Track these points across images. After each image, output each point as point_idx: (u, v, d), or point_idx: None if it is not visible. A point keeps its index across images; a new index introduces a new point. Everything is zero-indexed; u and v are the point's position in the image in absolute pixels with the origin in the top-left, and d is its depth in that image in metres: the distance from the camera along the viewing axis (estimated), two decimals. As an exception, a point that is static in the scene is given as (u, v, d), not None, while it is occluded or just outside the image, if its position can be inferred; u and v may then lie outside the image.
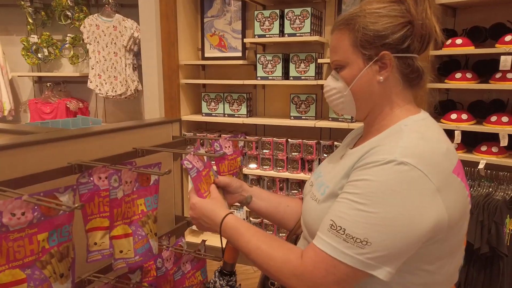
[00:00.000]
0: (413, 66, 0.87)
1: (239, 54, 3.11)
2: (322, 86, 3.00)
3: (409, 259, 0.77)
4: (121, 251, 0.81)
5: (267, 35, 2.83)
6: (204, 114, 3.13)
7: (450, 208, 0.77)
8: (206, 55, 3.21)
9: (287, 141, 2.90)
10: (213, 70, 3.32)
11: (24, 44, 3.26)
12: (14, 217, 0.64)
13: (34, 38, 3.26)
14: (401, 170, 0.73)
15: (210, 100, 3.11)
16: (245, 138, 1.22)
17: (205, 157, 1.00)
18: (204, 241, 1.19)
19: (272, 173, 2.92)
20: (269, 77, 2.89)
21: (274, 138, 2.92)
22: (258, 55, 2.90)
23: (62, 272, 0.71)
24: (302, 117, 2.90)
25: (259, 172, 2.95)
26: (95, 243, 0.82)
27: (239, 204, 1.06)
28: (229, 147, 1.17)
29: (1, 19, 3.28)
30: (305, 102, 2.90)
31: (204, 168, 0.98)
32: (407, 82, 0.89)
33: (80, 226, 0.82)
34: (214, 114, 3.11)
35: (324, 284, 0.75)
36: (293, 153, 2.88)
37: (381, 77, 0.87)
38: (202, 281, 1.15)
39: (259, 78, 2.90)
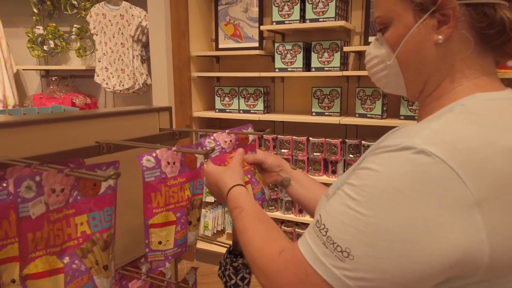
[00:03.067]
0: (493, 17, 0.58)
1: (256, 44, 2.83)
2: (348, 78, 2.68)
3: None
4: (45, 296, 0.54)
5: (286, 22, 2.53)
6: (217, 110, 2.87)
7: (496, 236, 0.49)
8: (220, 46, 2.95)
9: (308, 139, 2.60)
10: (227, 62, 3.05)
11: (29, 36, 3.09)
12: (53, 194, 0.56)
13: (39, 30, 3.09)
14: (419, 162, 0.49)
15: (224, 95, 2.84)
16: (252, 130, 0.96)
17: (247, 139, 0.96)
18: (194, 268, 0.92)
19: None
20: (288, 69, 2.59)
21: (294, 137, 2.62)
22: (276, 44, 2.61)
23: (105, 263, 0.61)
24: (325, 113, 2.59)
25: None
26: (13, 281, 0.56)
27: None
28: (230, 141, 0.90)
29: (6, 10, 3.13)
30: (329, 97, 2.58)
31: (233, 151, 0.92)
32: (482, 43, 0.61)
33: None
34: (228, 110, 2.84)
35: None
36: (314, 153, 2.58)
37: (440, 36, 0.60)
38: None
39: (277, 70, 2.61)
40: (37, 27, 3.11)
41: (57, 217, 0.56)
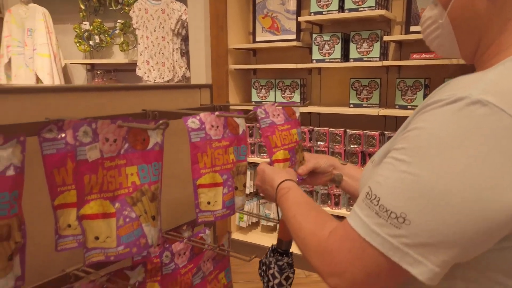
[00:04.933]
0: None
1: (293, 36, 2.82)
2: (388, 68, 2.62)
3: (479, 263, 0.52)
4: (96, 238, 0.57)
5: (324, 12, 2.51)
6: (254, 103, 2.88)
7: None
8: (258, 39, 2.97)
9: (345, 131, 2.56)
10: (264, 55, 3.07)
11: (76, 31, 3.26)
12: (107, 143, 0.60)
13: (86, 25, 3.25)
14: (475, 114, 0.46)
15: (260, 87, 2.86)
16: (300, 104, 0.97)
17: (296, 115, 0.98)
18: (229, 233, 0.93)
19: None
20: (326, 60, 2.57)
21: (331, 129, 2.59)
22: (314, 35, 2.59)
23: (153, 214, 0.64)
24: (364, 105, 2.54)
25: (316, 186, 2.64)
26: (69, 225, 0.59)
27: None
28: (278, 115, 0.92)
29: (56, 8, 3.31)
30: (367, 88, 2.54)
31: (284, 123, 0.93)
32: None
33: (43, 200, 0.59)
34: (264, 103, 2.86)
35: (349, 272, 0.54)
36: (352, 146, 2.54)
37: None
38: (226, 285, 0.89)
39: (314, 61, 2.60)
40: (83, 23, 3.27)
41: (110, 165, 0.59)
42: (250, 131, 2.90)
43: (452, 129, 0.48)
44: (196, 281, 0.81)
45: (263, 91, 2.86)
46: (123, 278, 0.72)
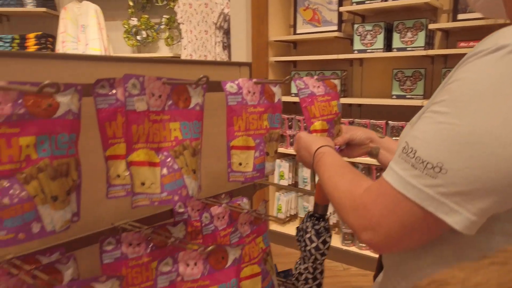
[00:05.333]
0: None
1: (334, 27, 2.80)
2: (433, 58, 2.53)
3: None
4: (143, 183, 0.61)
5: (367, 2, 2.48)
6: (293, 95, 2.89)
7: None
8: (298, 31, 2.97)
9: (387, 123, 2.51)
10: (305, 47, 3.07)
11: (125, 27, 3.43)
12: (153, 97, 0.64)
13: (134, 21, 3.41)
14: None
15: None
16: (341, 75, 0.98)
17: (336, 88, 1.00)
18: (265, 201, 0.95)
19: (367, 160, 2.54)
20: (368, 50, 2.53)
21: (372, 120, 2.55)
22: (355, 26, 2.56)
23: (194, 168, 0.68)
24: (407, 96, 2.48)
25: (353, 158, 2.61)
26: (118, 176, 0.64)
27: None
28: (318, 87, 0.93)
29: (107, 5, 3.49)
30: (411, 78, 2.47)
31: (324, 95, 0.94)
32: None
33: (96, 152, 0.64)
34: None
35: (384, 225, 0.54)
36: (394, 138, 2.48)
37: None
38: (264, 250, 0.92)
39: (356, 52, 2.56)
40: (132, 19, 3.43)
41: (155, 118, 0.63)
42: (290, 123, 2.91)
43: (493, 77, 0.47)
44: (233, 240, 0.84)
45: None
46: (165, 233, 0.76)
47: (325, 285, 0.97)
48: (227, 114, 0.75)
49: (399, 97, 2.51)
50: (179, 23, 3.19)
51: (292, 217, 3.16)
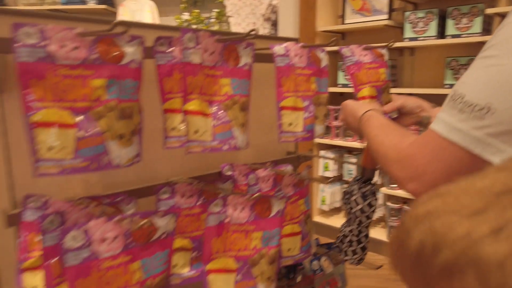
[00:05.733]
0: None
1: (385, 16, 2.75)
2: (490, 46, 2.41)
3: None
4: (196, 131, 0.67)
5: (419, -12, 2.41)
6: (340, 85, 2.87)
7: None
8: (347, 21, 2.95)
9: (438, 113, 2.42)
10: (354, 38, 3.03)
11: (177, 22, 3.58)
12: (206, 53, 0.69)
13: (185, 16, 3.55)
14: None
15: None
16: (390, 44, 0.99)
17: (384, 57, 1.00)
18: (309, 167, 0.98)
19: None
20: (420, 38, 2.46)
21: (422, 110, 2.47)
22: (407, 13, 2.50)
23: (242, 122, 0.73)
24: (461, 85, 2.38)
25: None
26: (173, 128, 0.70)
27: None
28: (365, 55, 0.94)
29: (162, 1, 3.67)
30: (466, 67, 2.36)
31: (372, 62, 0.95)
32: None
33: (154, 105, 0.70)
34: (350, 85, 2.83)
35: (429, 173, 0.54)
36: (445, 127, 2.39)
37: None
38: (305, 212, 0.94)
39: (407, 40, 2.50)
40: (183, 13, 3.58)
41: (208, 72, 0.68)
42: (336, 114, 2.89)
43: None
44: None
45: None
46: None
47: (369, 278, 0.98)
48: (276, 75, 0.78)
49: (452, 86, 2.41)
50: (228, 17, 3.28)
51: (336, 210, 3.14)
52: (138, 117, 0.63)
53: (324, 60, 0.85)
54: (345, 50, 0.94)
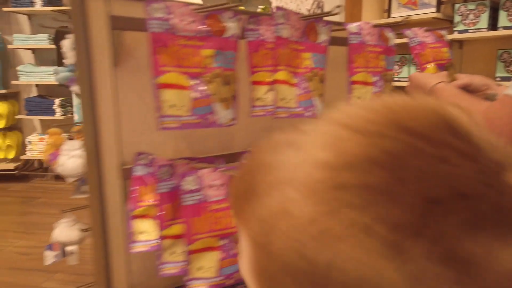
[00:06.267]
0: None
1: (432, 9, 2.74)
2: (546, 36, 2.35)
3: None
4: (282, 99, 0.75)
5: (470, -21, 2.39)
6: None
7: None
8: (393, 15, 2.95)
9: (488, 106, 2.39)
10: (399, 31, 3.03)
11: (224, 19, 3.71)
12: (293, 28, 0.74)
13: (232, 13, 3.67)
14: None
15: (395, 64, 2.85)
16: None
17: (444, 37, 1.06)
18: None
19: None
20: (470, 30, 2.44)
21: (471, 103, 2.44)
22: (457, 6, 2.49)
23: (321, 92, 0.80)
24: (513, 77, 2.34)
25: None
26: (258, 98, 0.79)
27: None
28: (428, 36, 1.00)
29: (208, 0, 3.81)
30: (519, 59, 2.32)
31: (434, 42, 1.00)
32: None
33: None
34: (396, 79, 2.83)
35: (505, 134, 0.58)
36: (496, 120, 2.35)
37: None
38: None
39: (456, 32, 2.48)
40: (230, 11, 3.71)
41: (293, 47, 0.77)
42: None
43: None
44: None
45: (395, 67, 2.84)
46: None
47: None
48: (349, 51, 0.86)
49: (503, 79, 2.38)
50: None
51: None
52: (235, 85, 0.72)
53: (392, 38, 0.91)
54: (409, 32, 1.00)
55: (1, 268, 2.54)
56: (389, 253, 0.19)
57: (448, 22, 2.69)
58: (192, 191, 0.65)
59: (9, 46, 4.13)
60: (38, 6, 3.94)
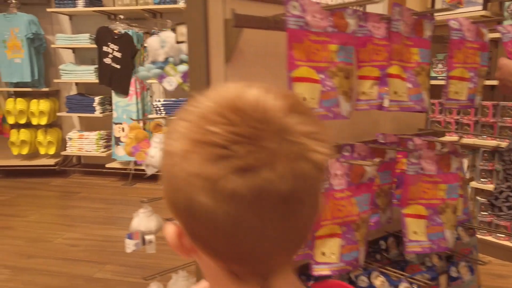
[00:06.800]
0: None
1: (479, 7, 2.70)
2: None
3: None
4: (395, 92, 0.78)
5: (522, -24, 2.36)
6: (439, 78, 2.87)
7: None
8: (437, 14, 2.93)
9: (539, 105, 2.35)
10: (445, 31, 3.00)
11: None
12: (405, 24, 0.77)
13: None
14: None
15: (437, 62, 2.82)
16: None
17: None
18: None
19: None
20: (520, 28, 2.40)
21: (520, 102, 2.41)
22: (507, 3, 2.46)
23: (427, 86, 0.83)
24: None
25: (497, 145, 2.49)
26: (363, 92, 0.82)
27: None
28: (472, 30, 1.00)
29: None
30: None
31: None
32: None
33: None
34: (440, 78, 2.82)
35: None
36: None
37: None
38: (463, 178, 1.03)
39: (505, 30, 2.45)
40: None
41: (405, 42, 0.80)
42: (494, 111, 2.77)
43: None
44: None
45: (440, 65, 2.82)
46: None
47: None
48: (449, 47, 0.88)
49: (556, 77, 2.34)
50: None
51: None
52: (353, 78, 0.75)
53: (486, 34, 0.93)
54: (501, 28, 1.01)
55: (53, 259, 2.64)
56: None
57: (495, 23, 2.66)
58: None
59: (52, 46, 4.27)
60: (80, 7, 4.06)
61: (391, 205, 0.96)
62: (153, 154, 1.14)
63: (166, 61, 1.15)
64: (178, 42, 1.07)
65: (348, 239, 0.72)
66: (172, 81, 1.13)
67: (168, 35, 1.15)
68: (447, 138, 1.25)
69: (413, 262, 1.08)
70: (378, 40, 0.80)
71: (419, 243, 0.78)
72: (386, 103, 0.77)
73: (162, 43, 1.15)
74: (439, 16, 2.94)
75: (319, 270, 0.70)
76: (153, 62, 1.19)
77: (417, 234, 0.78)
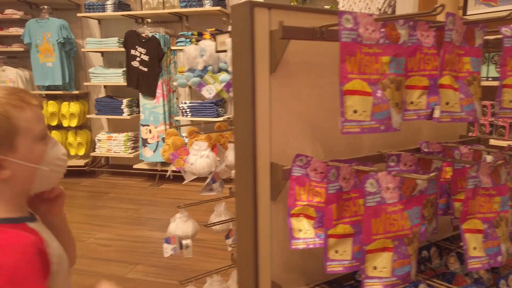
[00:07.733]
0: None
1: (515, 5, 2.62)
2: None
3: None
4: (447, 103, 0.76)
5: None
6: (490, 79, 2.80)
7: None
8: (469, 12, 2.85)
9: None
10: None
11: (288, 19, 3.74)
12: (457, 33, 0.77)
13: (296, 14, 3.69)
14: None
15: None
16: None
17: None
18: None
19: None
20: (561, 26, 2.31)
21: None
22: (545, 1, 2.36)
23: (480, 96, 0.82)
24: None
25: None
26: (412, 102, 0.80)
27: None
28: None
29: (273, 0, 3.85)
30: None
31: None
32: None
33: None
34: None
35: None
36: None
37: None
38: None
39: (544, 29, 2.36)
40: (294, 12, 3.72)
41: (457, 51, 0.78)
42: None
43: None
44: None
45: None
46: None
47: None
48: (503, 54, 0.85)
49: None
50: (340, 12, 3.35)
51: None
52: (403, 91, 0.74)
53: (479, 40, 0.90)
54: (505, 30, 0.97)
55: (86, 258, 2.71)
56: None
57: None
58: (372, 193, 0.68)
59: (82, 50, 4.38)
60: (109, 11, 4.15)
61: (436, 215, 0.94)
62: (193, 161, 1.16)
63: (204, 70, 1.17)
64: (218, 51, 1.08)
65: (400, 253, 0.71)
66: (211, 89, 1.15)
67: (207, 44, 1.17)
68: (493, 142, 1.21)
69: (457, 273, 1.05)
70: (427, 49, 0.79)
71: (480, 259, 0.76)
72: (437, 113, 0.75)
73: (201, 51, 1.16)
74: (471, 16, 2.86)
75: (371, 285, 0.70)
76: (191, 70, 1.20)
77: (476, 250, 0.76)
